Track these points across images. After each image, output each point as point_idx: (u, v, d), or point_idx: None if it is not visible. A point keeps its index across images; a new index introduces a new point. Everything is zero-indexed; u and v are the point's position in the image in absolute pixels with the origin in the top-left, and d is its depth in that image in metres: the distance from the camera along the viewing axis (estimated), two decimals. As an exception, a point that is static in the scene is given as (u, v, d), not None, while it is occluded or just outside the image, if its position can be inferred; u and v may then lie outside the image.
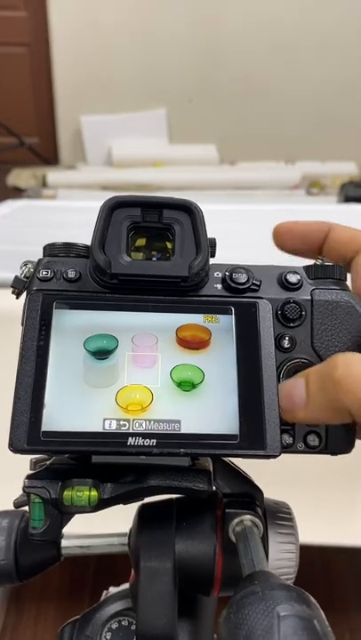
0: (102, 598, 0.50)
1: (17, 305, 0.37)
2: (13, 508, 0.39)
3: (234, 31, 3.16)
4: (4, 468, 0.66)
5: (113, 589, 0.51)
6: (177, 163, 3.17)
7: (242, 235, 1.38)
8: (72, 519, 0.37)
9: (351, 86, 3.31)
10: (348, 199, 2.58)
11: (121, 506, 0.36)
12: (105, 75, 3.26)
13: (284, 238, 0.43)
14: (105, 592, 0.51)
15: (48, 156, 3.41)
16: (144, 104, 3.29)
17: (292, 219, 0.43)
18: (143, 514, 0.40)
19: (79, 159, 3.37)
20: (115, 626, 0.44)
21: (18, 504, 0.38)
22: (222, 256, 0.38)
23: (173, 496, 0.40)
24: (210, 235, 0.37)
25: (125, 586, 0.49)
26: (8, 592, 1.32)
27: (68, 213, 1.70)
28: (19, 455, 0.32)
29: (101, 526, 0.47)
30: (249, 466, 0.39)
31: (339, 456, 0.37)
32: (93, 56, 3.23)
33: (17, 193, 2.92)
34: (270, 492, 0.40)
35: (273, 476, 0.43)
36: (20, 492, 0.36)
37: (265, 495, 0.39)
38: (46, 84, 3.34)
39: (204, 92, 3.31)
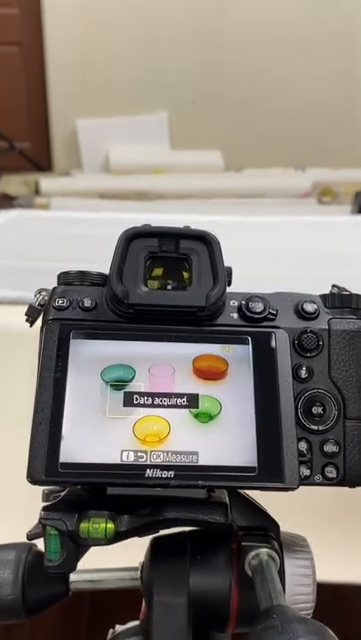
0: (109, 637, 0.52)
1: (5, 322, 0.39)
2: (25, 540, 0.42)
3: (239, 28, 3.21)
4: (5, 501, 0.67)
5: (119, 627, 0.53)
6: (179, 169, 3.21)
7: (249, 248, 1.41)
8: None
9: (365, 88, 3.36)
10: (362, 209, 2.61)
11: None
12: (102, 75, 3.31)
13: None
14: (111, 630, 0.53)
15: (41, 161, 3.45)
16: (144, 107, 3.33)
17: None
18: (156, 547, 0.42)
19: (74, 165, 3.41)
20: (125, 664, 0.46)
21: (31, 536, 0.40)
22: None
23: (186, 529, 0.42)
24: None
25: (132, 623, 0.51)
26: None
27: (64, 225, 1.73)
28: (28, 486, 0.35)
29: (106, 559, 0.49)
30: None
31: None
32: (90, 55, 3.28)
33: (7, 201, 2.95)
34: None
35: (276, 506, 0.45)
36: (20, 523, 0.38)
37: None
38: (39, 85, 3.39)
39: (208, 94, 3.35)
